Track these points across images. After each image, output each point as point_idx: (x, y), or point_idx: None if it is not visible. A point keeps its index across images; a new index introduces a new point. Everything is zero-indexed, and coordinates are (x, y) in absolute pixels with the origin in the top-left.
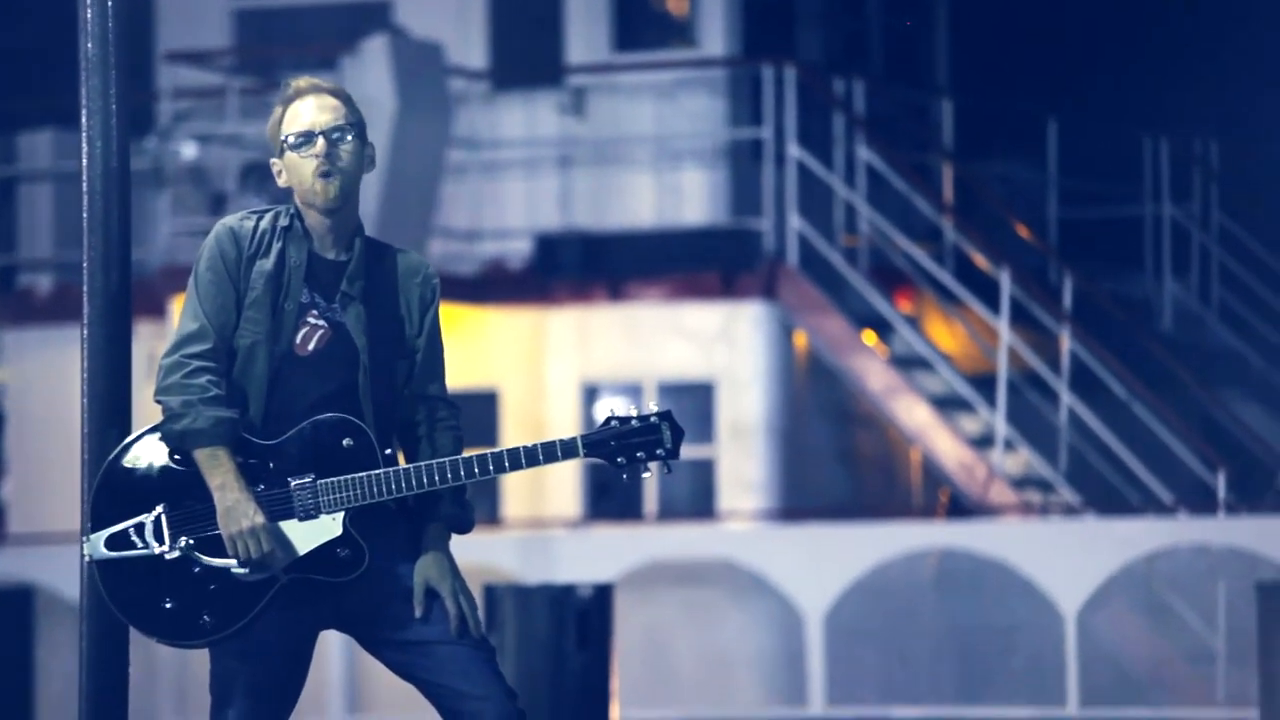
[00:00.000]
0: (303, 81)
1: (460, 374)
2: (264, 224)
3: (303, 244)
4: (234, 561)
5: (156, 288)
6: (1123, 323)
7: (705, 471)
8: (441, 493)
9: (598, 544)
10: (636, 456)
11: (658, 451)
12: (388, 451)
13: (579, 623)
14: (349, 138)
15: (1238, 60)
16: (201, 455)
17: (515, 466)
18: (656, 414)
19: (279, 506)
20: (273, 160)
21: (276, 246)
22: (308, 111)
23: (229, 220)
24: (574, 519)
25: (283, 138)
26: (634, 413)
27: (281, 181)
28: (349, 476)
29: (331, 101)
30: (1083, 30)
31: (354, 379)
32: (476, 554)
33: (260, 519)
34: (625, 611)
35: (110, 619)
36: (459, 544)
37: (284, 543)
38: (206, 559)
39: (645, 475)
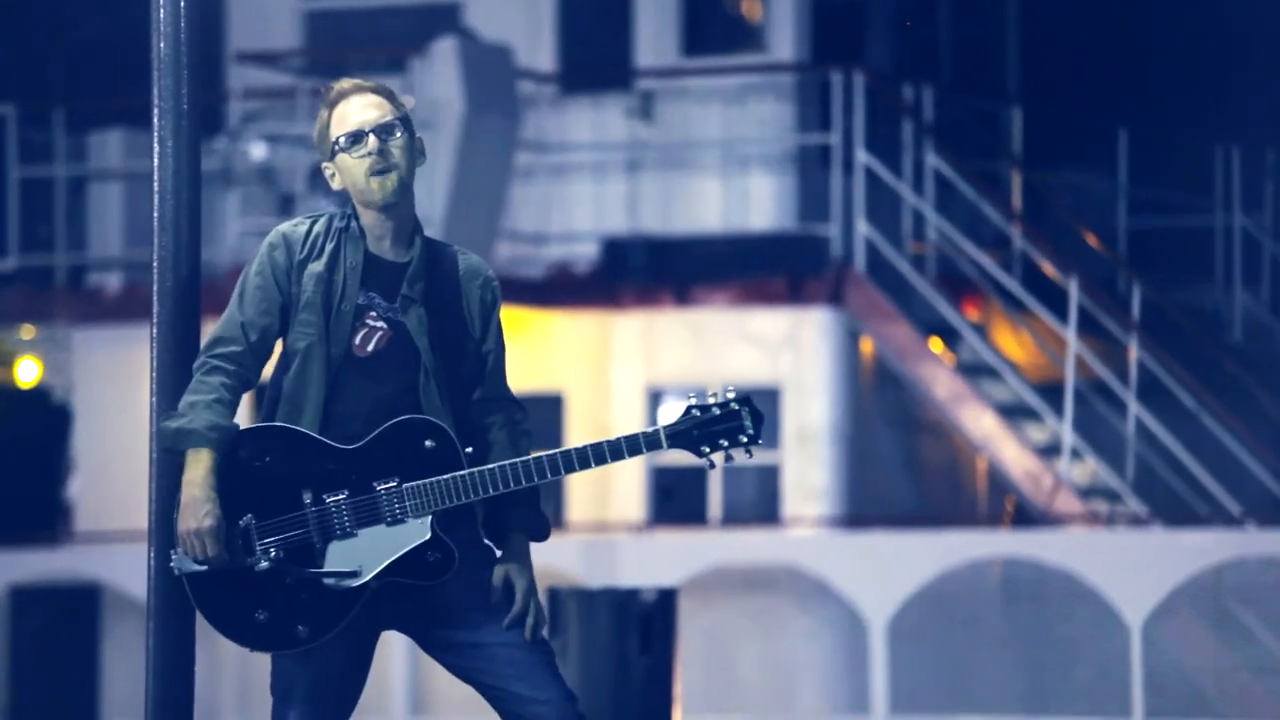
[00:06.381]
0: (345, 83)
1: (525, 377)
2: (318, 227)
3: (359, 245)
4: (327, 571)
5: (224, 288)
6: (1192, 333)
7: (770, 477)
8: (519, 500)
9: (662, 548)
10: (720, 444)
11: (740, 438)
12: (469, 450)
13: (642, 627)
14: (399, 133)
15: None
16: (189, 454)
17: (601, 461)
18: (736, 400)
19: (366, 512)
20: (324, 165)
21: (330, 248)
22: (354, 111)
23: (283, 226)
24: (638, 523)
25: (333, 140)
26: (714, 400)
27: (335, 184)
28: (435, 479)
29: (375, 99)
30: (1154, 39)
31: (414, 380)
32: (540, 557)
33: (209, 523)
34: (688, 616)
35: (177, 617)
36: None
37: (373, 549)
38: (298, 569)
39: (730, 462)
